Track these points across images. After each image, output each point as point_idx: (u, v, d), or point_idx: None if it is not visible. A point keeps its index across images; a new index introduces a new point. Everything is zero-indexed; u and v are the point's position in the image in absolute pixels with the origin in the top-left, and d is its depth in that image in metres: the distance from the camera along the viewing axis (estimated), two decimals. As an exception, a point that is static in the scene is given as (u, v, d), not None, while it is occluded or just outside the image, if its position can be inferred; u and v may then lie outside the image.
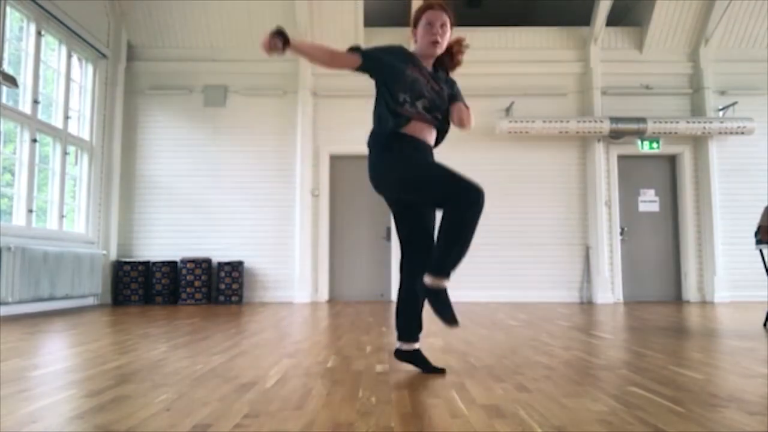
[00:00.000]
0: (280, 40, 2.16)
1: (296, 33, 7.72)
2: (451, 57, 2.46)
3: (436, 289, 2.15)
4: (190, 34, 7.84)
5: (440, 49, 2.35)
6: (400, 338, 2.46)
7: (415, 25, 2.41)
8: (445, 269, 2.15)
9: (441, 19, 2.32)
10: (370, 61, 2.32)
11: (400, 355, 2.47)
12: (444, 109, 2.39)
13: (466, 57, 2.50)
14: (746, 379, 2.25)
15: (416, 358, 2.45)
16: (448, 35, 2.37)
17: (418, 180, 2.24)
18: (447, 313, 2.14)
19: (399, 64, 2.32)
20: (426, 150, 2.36)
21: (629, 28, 8.15)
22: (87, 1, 6.96)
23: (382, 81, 2.33)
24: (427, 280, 2.16)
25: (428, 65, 2.41)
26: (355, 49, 2.32)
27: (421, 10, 2.37)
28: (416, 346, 2.46)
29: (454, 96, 2.46)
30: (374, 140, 2.36)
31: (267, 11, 7.68)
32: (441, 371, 2.39)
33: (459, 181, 2.12)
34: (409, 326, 2.45)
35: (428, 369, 2.41)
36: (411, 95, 2.28)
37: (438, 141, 2.47)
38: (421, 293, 2.22)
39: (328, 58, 2.27)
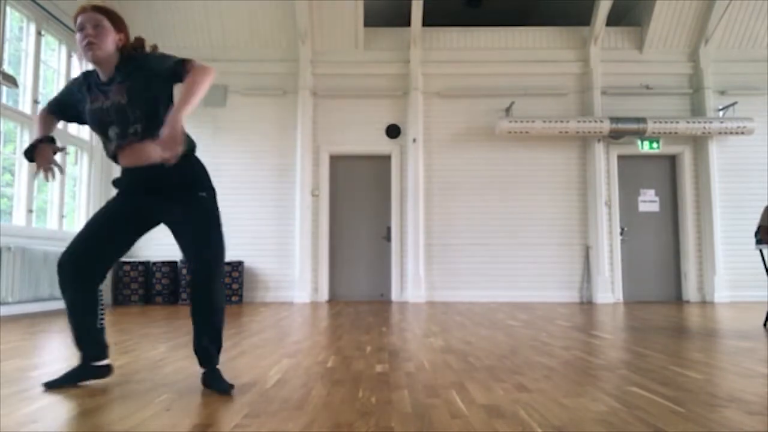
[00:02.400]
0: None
1: (296, 33, 7.73)
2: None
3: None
4: (190, 34, 7.84)
5: (99, 51, 2.02)
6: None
7: None
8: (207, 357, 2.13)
9: (93, 20, 2.02)
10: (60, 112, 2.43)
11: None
12: (136, 116, 2.11)
13: (467, 57, 2.44)
14: (746, 379, 2.25)
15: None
16: (110, 34, 2.05)
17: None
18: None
19: (79, 102, 2.26)
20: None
21: (629, 28, 8.15)
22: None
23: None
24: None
25: (108, 73, 2.10)
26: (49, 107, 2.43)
27: (75, 18, 2.06)
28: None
29: (157, 73, 2.07)
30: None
31: (267, 11, 7.68)
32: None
33: None
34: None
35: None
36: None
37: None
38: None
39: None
